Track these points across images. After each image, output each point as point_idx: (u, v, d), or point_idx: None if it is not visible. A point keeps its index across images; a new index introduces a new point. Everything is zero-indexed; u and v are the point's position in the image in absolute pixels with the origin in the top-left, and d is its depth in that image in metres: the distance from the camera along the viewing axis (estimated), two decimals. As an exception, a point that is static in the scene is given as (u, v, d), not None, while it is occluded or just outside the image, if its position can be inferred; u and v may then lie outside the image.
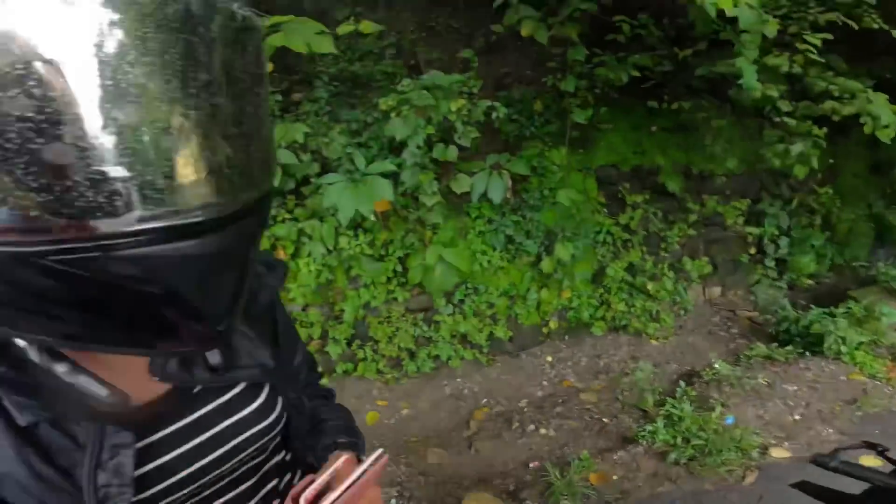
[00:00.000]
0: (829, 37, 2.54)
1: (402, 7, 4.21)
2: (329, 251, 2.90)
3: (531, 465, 2.45)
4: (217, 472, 0.55)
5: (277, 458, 0.66)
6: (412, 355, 3.12)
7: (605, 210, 3.62)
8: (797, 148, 2.81)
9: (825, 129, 2.95)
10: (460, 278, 3.11)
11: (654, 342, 3.52)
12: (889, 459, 0.96)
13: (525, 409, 2.89)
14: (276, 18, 1.93)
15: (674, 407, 2.63)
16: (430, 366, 3.12)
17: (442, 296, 3.13)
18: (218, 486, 0.57)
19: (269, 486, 0.65)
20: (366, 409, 2.90)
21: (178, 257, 0.35)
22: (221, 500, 0.58)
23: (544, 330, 3.46)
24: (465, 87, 3.17)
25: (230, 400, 0.57)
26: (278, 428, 0.61)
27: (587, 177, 3.53)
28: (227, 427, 0.56)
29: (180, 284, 0.37)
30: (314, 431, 0.71)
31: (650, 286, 3.55)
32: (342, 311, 2.97)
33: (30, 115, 0.29)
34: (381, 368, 3.06)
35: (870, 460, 1.14)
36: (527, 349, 3.45)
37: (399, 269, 3.05)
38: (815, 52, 2.51)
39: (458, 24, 4.05)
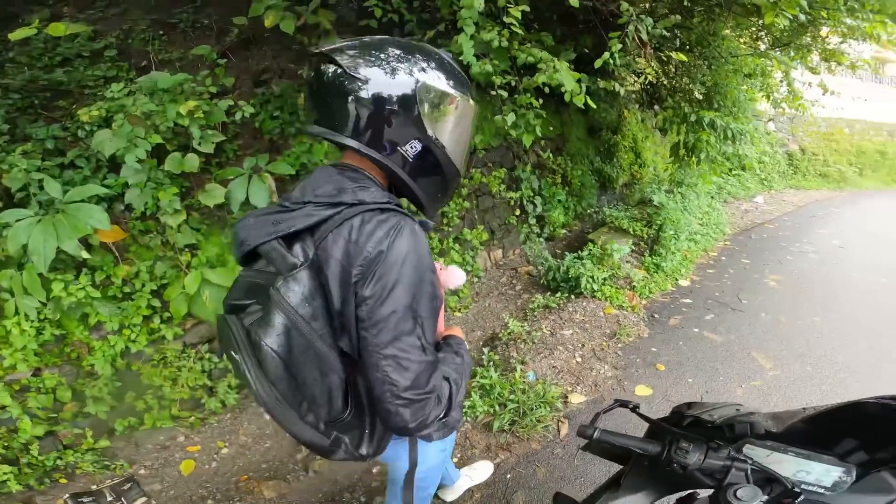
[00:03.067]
0: (526, 8, 2.64)
1: (134, 4, 3.63)
2: (44, 303, 2.31)
3: (374, 469, 2.34)
4: None
5: None
6: (211, 391, 2.78)
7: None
8: (511, 118, 2.99)
9: (540, 101, 3.29)
10: (243, 298, 2.79)
11: (458, 314, 3.69)
12: (640, 415, 1.05)
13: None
14: None
15: (483, 376, 2.75)
16: (235, 397, 2.82)
17: (225, 321, 2.75)
18: None
19: None
20: (177, 459, 2.48)
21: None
22: None
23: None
24: (202, 87, 2.78)
25: None
26: None
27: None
28: None
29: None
30: None
31: (442, 261, 3.70)
32: (92, 365, 2.46)
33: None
34: (177, 413, 2.67)
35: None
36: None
37: (158, 303, 2.61)
38: (518, 25, 2.61)
39: (207, 19, 3.59)
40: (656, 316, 3.76)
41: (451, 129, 0.93)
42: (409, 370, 0.83)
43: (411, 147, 0.89)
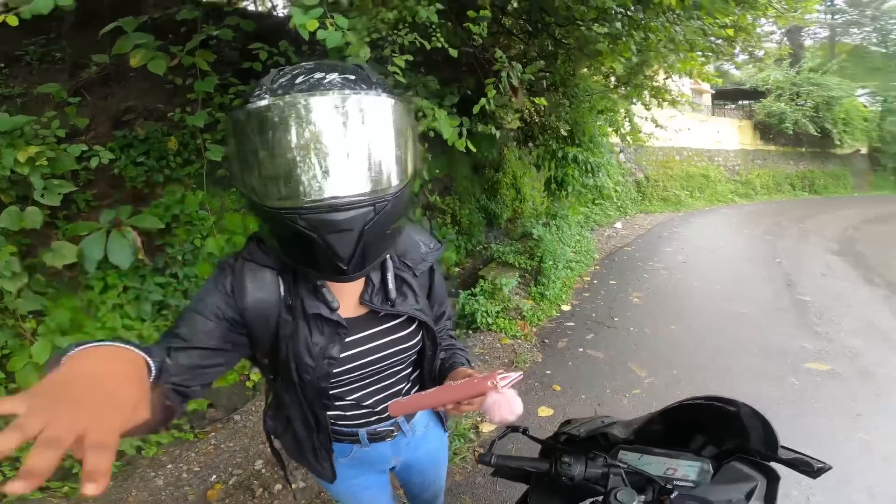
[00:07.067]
0: (410, 58, 2.69)
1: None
2: None
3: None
4: (375, 366, 0.99)
5: (408, 371, 1.09)
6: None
7: (271, 245, 3.44)
8: None
9: (426, 145, 3.45)
10: (102, 363, 2.47)
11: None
12: (530, 437, 1.10)
13: (263, 470, 2.56)
14: None
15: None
16: (116, 465, 2.51)
17: (85, 388, 2.40)
18: (373, 375, 1.01)
19: (398, 387, 1.08)
20: (56, 530, 2.07)
21: (323, 221, 0.73)
22: (373, 387, 1.03)
23: (248, 384, 3.10)
24: (47, 130, 2.47)
25: (395, 325, 0.99)
26: (416, 349, 1.04)
27: (247, 216, 3.21)
28: (390, 340, 0.99)
29: (322, 235, 0.75)
30: (448, 355, 1.12)
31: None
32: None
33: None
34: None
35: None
36: (238, 409, 3.04)
37: (1, 374, 2.30)
38: (401, 73, 2.64)
39: (60, 52, 3.15)
40: (546, 341, 4.02)
41: (246, 160, 0.77)
42: None
43: None
